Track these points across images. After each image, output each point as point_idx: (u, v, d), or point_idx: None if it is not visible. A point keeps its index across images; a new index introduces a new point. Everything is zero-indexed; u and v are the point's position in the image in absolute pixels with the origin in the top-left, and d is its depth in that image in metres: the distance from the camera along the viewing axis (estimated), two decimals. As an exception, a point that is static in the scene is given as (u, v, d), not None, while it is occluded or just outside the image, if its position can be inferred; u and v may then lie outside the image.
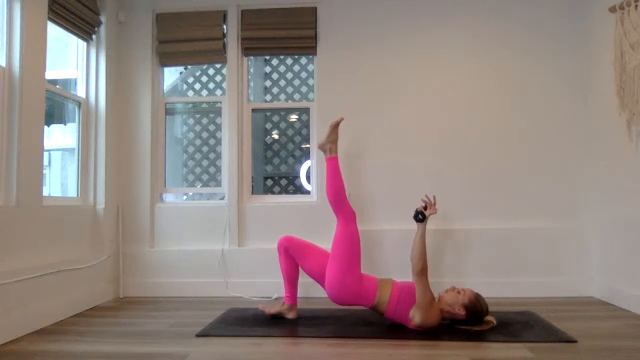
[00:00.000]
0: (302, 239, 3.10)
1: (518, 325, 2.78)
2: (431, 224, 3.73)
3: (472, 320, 2.69)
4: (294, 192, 4.83)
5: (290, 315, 3.02)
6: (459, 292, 2.74)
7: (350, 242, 2.90)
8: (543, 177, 3.76)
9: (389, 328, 2.77)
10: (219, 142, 4.28)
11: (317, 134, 3.91)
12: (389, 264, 3.70)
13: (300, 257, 3.00)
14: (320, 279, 2.93)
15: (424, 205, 2.98)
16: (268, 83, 4.89)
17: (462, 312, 2.68)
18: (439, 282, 3.68)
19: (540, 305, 3.31)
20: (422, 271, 2.72)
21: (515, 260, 3.69)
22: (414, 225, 3.78)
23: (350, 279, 2.82)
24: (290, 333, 2.73)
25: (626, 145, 3.18)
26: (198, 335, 2.68)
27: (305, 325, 2.87)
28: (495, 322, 2.69)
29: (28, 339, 2.68)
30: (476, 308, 2.69)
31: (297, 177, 5.03)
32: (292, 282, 3.05)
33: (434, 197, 3.03)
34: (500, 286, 3.64)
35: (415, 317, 2.68)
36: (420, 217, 2.90)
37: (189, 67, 4.80)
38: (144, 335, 2.73)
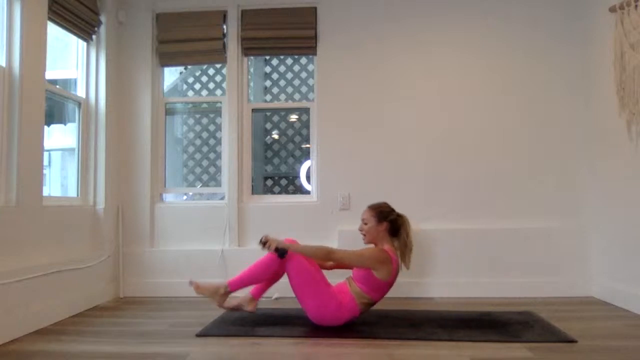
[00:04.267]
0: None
1: (518, 325, 2.78)
2: (431, 224, 3.74)
3: (395, 220, 2.88)
4: (294, 192, 4.82)
5: (249, 308, 2.93)
6: (364, 229, 2.88)
7: (306, 271, 2.77)
8: (543, 177, 3.76)
9: (389, 328, 2.77)
10: (219, 142, 4.28)
11: (317, 134, 3.91)
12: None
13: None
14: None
15: (264, 241, 2.79)
16: (268, 83, 4.89)
17: (384, 226, 2.86)
18: (437, 282, 3.69)
19: (540, 305, 3.31)
20: (329, 254, 2.78)
21: (515, 260, 3.68)
22: (414, 224, 3.79)
23: (324, 299, 2.76)
24: (290, 333, 2.72)
25: (626, 145, 3.18)
26: (198, 335, 2.68)
27: (305, 325, 2.87)
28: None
29: (28, 339, 2.67)
30: (380, 208, 2.90)
31: (297, 177, 5.02)
32: (271, 282, 2.95)
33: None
34: (500, 286, 3.64)
35: (376, 272, 2.74)
36: (281, 253, 2.72)
37: (189, 67, 4.79)
38: (144, 335, 2.73)
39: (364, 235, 2.93)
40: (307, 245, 2.81)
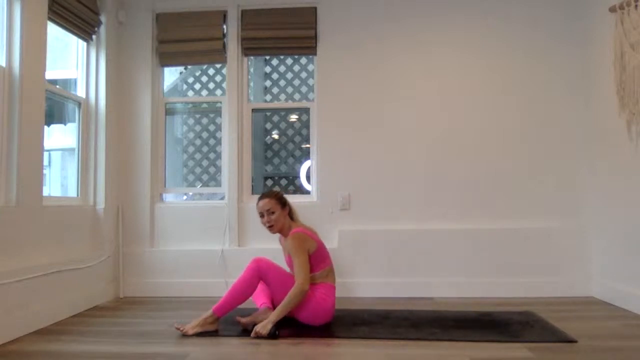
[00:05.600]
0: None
1: (518, 325, 2.78)
2: (431, 224, 3.75)
3: (288, 202, 2.97)
4: (294, 192, 4.82)
5: (213, 328, 2.77)
6: (271, 220, 2.87)
7: (285, 289, 2.75)
8: (543, 177, 3.76)
9: (389, 328, 2.77)
10: (219, 142, 4.28)
11: (317, 134, 3.91)
12: (387, 264, 3.70)
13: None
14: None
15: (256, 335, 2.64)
16: (268, 83, 4.89)
17: (287, 211, 2.93)
18: (437, 282, 3.69)
19: (541, 305, 3.31)
20: (303, 288, 2.70)
21: (515, 260, 3.68)
22: (414, 224, 3.80)
23: (309, 307, 2.78)
24: (290, 333, 2.72)
25: (626, 145, 3.18)
26: (198, 335, 2.68)
27: (304, 325, 2.87)
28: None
29: (28, 339, 2.68)
30: (278, 195, 2.94)
31: (297, 177, 5.02)
32: (240, 300, 2.81)
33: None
34: (500, 286, 3.63)
35: (309, 251, 2.80)
36: (273, 335, 2.62)
37: (189, 67, 4.79)
38: (144, 335, 2.73)
39: (271, 226, 2.88)
40: (283, 303, 2.70)
